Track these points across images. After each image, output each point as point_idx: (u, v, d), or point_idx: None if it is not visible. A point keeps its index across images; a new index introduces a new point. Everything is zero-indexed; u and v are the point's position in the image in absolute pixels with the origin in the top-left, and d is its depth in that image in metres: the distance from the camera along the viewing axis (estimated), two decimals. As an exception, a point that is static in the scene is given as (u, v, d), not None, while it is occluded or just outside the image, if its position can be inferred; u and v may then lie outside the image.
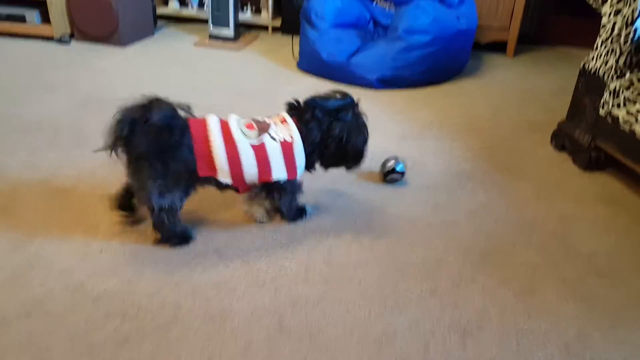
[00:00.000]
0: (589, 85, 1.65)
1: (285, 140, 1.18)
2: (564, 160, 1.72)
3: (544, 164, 1.69)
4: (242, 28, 3.09)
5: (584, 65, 1.67)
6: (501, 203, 1.47)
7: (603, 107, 1.58)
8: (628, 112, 1.48)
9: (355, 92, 2.20)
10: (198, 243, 1.25)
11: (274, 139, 1.18)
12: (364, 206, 1.43)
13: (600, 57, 1.59)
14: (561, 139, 1.77)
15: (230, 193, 1.27)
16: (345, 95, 1.23)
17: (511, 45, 2.86)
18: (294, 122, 1.21)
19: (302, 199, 1.34)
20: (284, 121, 1.22)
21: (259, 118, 1.23)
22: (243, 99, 2.13)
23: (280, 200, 1.26)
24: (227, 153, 1.14)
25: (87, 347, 0.95)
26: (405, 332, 1.02)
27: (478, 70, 2.61)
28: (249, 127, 1.18)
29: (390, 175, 1.50)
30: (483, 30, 2.80)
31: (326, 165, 1.29)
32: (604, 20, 1.56)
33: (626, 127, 1.49)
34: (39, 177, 1.49)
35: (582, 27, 2.93)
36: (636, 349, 1.01)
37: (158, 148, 1.07)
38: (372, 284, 1.14)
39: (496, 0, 2.77)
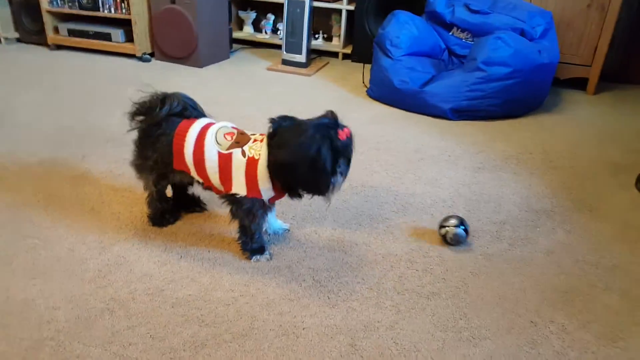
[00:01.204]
0: (683, 128, 1.56)
1: (252, 157, 1.16)
2: (648, 204, 1.62)
3: (627, 207, 1.61)
4: (314, 54, 3.18)
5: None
6: (582, 243, 1.40)
7: (699, 151, 1.48)
8: None
9: (429, 122, 2.26)
10: (273, 258, 1.28)
11: (244, 154, 1.16)
12: (436, 236, 1.41)
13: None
14: (648, 182, 1.68)
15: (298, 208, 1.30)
16: (331, 114, 1.11)
17: (592, 83, 2.76)
18: (267, 140, 1.15)
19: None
20: (262, 140, 1.18)
21: (248, 132, 1.22)
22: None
23: (233, 214, 1.21)
24: (194, 154, 1.19)
25: (166, 349, 1.00)
26: (480, 367, 0.99)
27: (557, 106, 2.53)
28: (228, 136, 1.19)
29: (446, 239, 1.35)
30: (564, 66, 2.72)
31: (289, 188, 1.16)
32: None
33: None
34: (123, 185, 1.59)
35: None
36: None
37: (147, 133, 1.24)
38: (445, 316, 1.12)
39: (579, 35, 2.70)
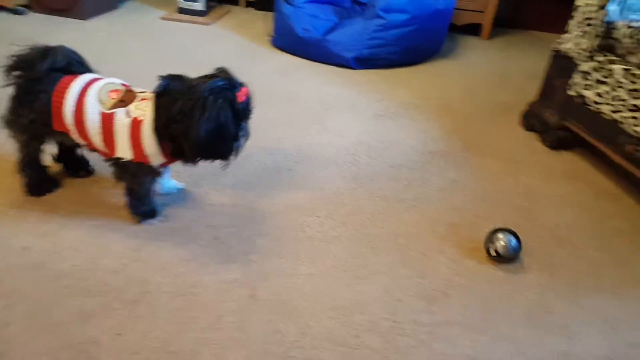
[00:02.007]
0: (560, 67, 1.67)
1: (137, 118, 1.05)
2: (533, 140, 1.75)
3: (513, 143, 1.72)
4: (213, 1, 3.01)
5: (557, 46, 1.69)
6: (470, 179, 1.49)
7: (573, 88, 1.60)
8: (597, 93, 1.51)
9: (333, 72, 2.25)
10: (168, 219, 1.22)
11: (128, 114, 1.06)
12: (339, 182, 1.42)
13: (572, 39, 1.61)
14: (531, 120, 1.80)
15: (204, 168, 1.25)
16: (224, 73, 1.03)
17: (486, 28, 2.87)
18: (153, 100, 1.05)
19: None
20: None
21: (137, 89, 1.12)
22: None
23: (117, 177, 1.15)
24: (75, 114, 1.09)
25: (50, 324, 0.93)
26: (376, 301, 1.04)
27: (453, 52, 2.61)
28: (112, 94, 1.10)
29: (499, 258, 1.15)
30: (459, 12, 2.80)
31: (182, 155, 1.08)
32: (578, 2, 1.58)
33: (594, 108, 1.52)
34: None
35: (556, 12, 2.95)
36: (593, 314, 1.05)
37: (25, 90, 1.11)
38: (344, 258, 1.14)
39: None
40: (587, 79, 1.55)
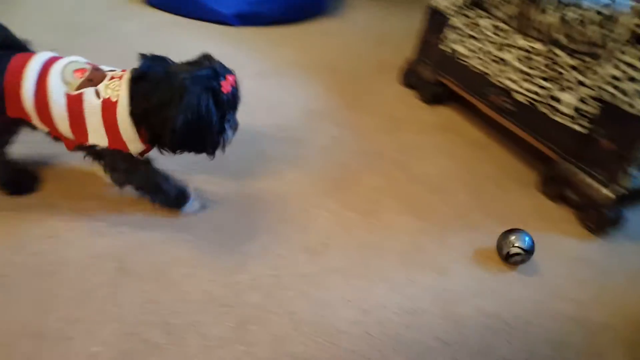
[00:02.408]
0: (434, 24, 1.73)
1: (109, 99, 0.94)
2: (411, 96, 1.82)
3: (392, 100, 1.77)
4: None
5: (430, 3, 1.74)
6: (351, 136, 1.51)
7: (445, 44, 1.67)
8: (466, 48, 1.59)
9: (211, 29, 2.15)
10: (31, 196, 1.10)
11: (98, 95, 0.95)
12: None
13: (442, -5, 1.67)
14: (409, 77, 1.86)
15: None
16: (208, 61, 0.96)
17: (369, -13, 2.90)
18: (129, 79, 0.96)
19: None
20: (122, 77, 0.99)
21: (105, 67, 1.02)
22: (72, 37, 1.89)
23: (113, 174, 1.03)
24: (36, 97, 0.95)
25: None
26: (256, 258, 1.03)
27: (338, 10, 2.62)
28: (78, 73, 0.97)
29: (513, 258, 1.08)
30: (342, -29, 2.79)
31: (153, 142, 1.00)
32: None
33: (465, 62, 1.60)
34: None
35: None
36: (462, 253, 1.13)
37: None
38: (224, 223, 1.11)
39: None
40: (458, 34, 1.62)
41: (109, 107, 0.94)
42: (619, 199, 1.21)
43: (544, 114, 1.34)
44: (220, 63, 0.96)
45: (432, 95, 1.76)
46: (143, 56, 0.95)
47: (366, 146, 1.48)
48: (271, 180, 1.27)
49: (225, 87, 0.94)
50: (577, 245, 1.20)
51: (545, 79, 1.32)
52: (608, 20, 1.16)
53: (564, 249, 1.18)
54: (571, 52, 1.27)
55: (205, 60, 0.96)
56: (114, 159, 1.00)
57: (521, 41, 1.39)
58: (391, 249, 1.11)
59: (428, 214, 1.24)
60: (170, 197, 1.07)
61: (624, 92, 1.13)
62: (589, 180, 1.24)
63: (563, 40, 1.28)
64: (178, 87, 0.90)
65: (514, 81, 1.41)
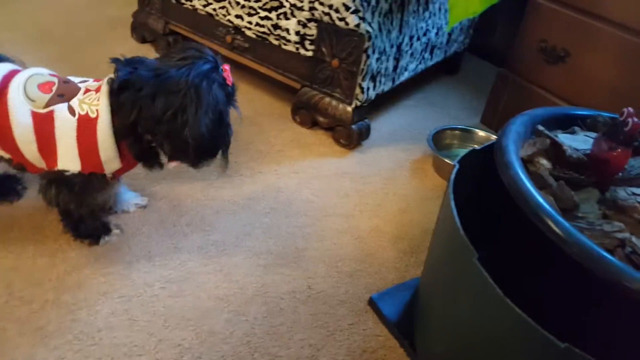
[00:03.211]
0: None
1: (87, 115, 0.79)
2: (148, 51, 1.65)
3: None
4: None
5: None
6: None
7: (166, -11, 1.53)
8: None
9: None
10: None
11: (73, 112, 0.79)
12: None
13: None
14: (140, 31, 1.68)
15: None
16: (202, 53, 0.81)
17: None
18: (109, 89, 0.80)
19: None
20: (99, 89, 0.82)
21: (76, 79, 0.85)
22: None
23: (49, 199, 0.85)
24: None
25: None
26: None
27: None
28: (45, 88, 0.81)
29: None
30: None
31: (167, 154, 0.84)
32: None
33: (188, 5, 1.49)
34: None
35: None
36: (192, 215, 1.08)
37: None
38: None
39: None
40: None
41: (86, 125, 0.79)
42: (360, 111, 1.28)
43: (277, 45, 1.33)
44: (211, 52, 0.82)
45: (168, 45, 1.62)
46: (117, 61, 0.79)
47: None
48: None
49: (228, 78, 0.83)
50: (337, 163, 1.25)
51: (267, 10, 1.29)
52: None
53: (326, 170, 1.22)
54: (282, -23, 1.26)
55: (194, 50, 0.81)
56: (78, 182, 0.83)
57: (236, -27, 1.33)
58: (149, 220, 1.00)
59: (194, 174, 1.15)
60: (91, 226, 0.92)
61: (335, 9, 1.17)
62: (331, 100, 1.29)
63: (272, -34, 1.26)
64: (188, 87, 0.76)
65: (240, 17, 1.36)
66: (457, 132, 1.35)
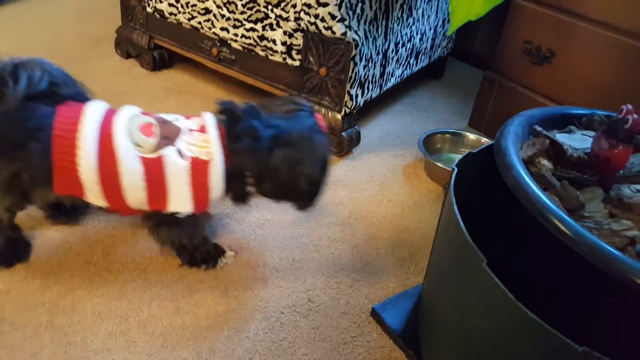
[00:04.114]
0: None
1: (198, 159, 0.78)
2: (134, 66, 1.63)
3: (112, 75, 1.57)
4: None
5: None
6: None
7: (149, 5, 1.51)
8: (169, 4, 1.45)
9: None
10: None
11: (181, 154, 0.78)
12: None
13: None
14: (124, 46, 1.66)
15: None
16: (300, 105, 0.83)
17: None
18: (220, 133, 0.79)
19: None
20: (204, 129, 0.80)
21: (168, 117, 0.83)
22: None
23: (170, 238, 0.88)
24: (101, 166, 0.76)
25: None
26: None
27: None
28: (146, 130, 0.79)
29: None
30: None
31: (269, 198, 0.86)
32: None
33: (173, 20, 1.47)
34: None
35: None
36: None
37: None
38: None
39: None
40: (156, -9, 1.47)
41: (199, 168, 0.78)
42: (349, 119, 1.28)
43: (264, 56, 1.32)
44: (306, 102, 0.85)
45: (154, 60, 1.60)
46: (223, 104, 0.80)
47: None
48: None
49: (325, 127, 0.85)
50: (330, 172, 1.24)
51: (253, 22, 1.28)
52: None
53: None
54: (267, -12, 1.25)
55: (293, 103, 0.84)
56: (189, 222, 0.84)
57: (219, -15, 1.32)
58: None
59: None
60: (206, 250, 0.92)
61: (321, 19, 1.16)
62: (320, 109, 1.28)
63: (256, -24, 1.25)
64: (302, 140, 0.79)
65: (225, 29, 1.35)
66: (447, 135, 1.35)
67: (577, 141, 0.72)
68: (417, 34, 1.43)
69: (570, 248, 0.51)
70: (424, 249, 1.04)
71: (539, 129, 0.71)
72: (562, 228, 0.52)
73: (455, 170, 0.73)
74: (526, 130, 0.73)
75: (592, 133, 0.74)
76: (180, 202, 0.80)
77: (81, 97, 0.83)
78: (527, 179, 0.60)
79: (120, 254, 0.94)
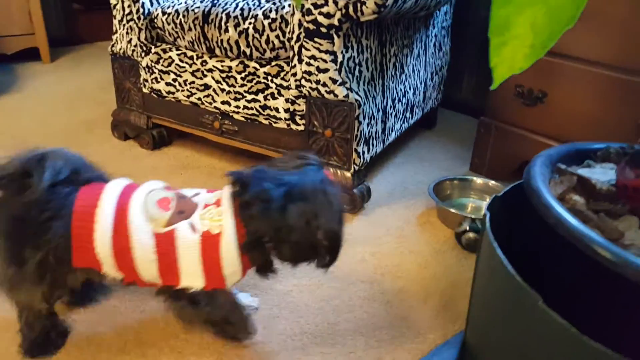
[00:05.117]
0: (124, 68, 1.59)
1: (208, 232, 0.78)
2: (133, 147, 1.65)
3: (111, 157, 1.58)
4: None
5: (112, 50, 1.60)
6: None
7: (145, 85, 1.56)
8: (167, 83, 1.50)
9: None
10: None
11: (194, 229, 0.78)
12: None
13: (123, 39, 1.55)
14: (121, 128, 1.68)
15: None
16: (307, 159, 0.82)
17: (44, 50, 2.57)
18: (234, 204, 0.79)
19: None
20: (219, 202, 0.81)
21: (188, 192, 0.84)
22: None
23: (189, 320, 0.87)
24: (114, 241, 0.77)
25: None
26: None
27: (13, 84, 2.22)
28: (163, 204, 0.80)
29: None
30: (5, 39, 2.41)
31: (289, 261, 0.82)
32: (112, 0, 1.51)
33: (171, 98, 1.51)
34: None
35: (110, 18, 2.90)
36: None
37: (21, 220, 0.76)
38: None
39: (7, 3, 2.40)
40: (153, 73, 1.52)
41: (210, 242, 0.78)
42: (359, 175, 1.30)
43: (267, 124, 1.35)
44: (311, 154, 0.84)
45: (154, 139, 1.62)
46: (234, 174, 0.79)
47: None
48: None
49: (334, 180, 0.85)
50: (346, 229, 1.24)
51: (254, 93, 1.33)
52: (280, 22, 1.22)
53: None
54: (261, 61, 1.31)
55: (301, 158, 0.83)
56: (203, 298, 0.81)
57: (213, 63, 1.37)
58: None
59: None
60: (241, 325, 0.89)
61: (322, 84, 1.21)
62: (329, 168, 1.30)
63: (249, 52, 1.31)
64: (317, 194, 0.77)
65: (227, 103, 1.39)
66: (455, 182, 1.38)
67: (599, 174, 0.75)
68: (410, 88, 1.50)
69: (615, 275, 0.53)
70: (455, 296, 1.03)
71: (562, 166, 0.74)
72: (612, 258, 0.54)
73: (488, 214, 0.75)
74: (549, 169, 0.75)
75: (610, 165, 0.78)
76: (191, 276, 0.79)
77: (101, 180, 0.85)
78: (568, 215, 0.61)
79: (154, 339, 0.91)
